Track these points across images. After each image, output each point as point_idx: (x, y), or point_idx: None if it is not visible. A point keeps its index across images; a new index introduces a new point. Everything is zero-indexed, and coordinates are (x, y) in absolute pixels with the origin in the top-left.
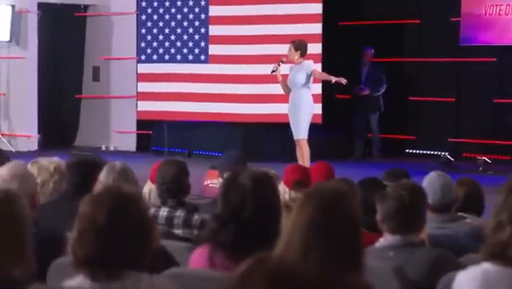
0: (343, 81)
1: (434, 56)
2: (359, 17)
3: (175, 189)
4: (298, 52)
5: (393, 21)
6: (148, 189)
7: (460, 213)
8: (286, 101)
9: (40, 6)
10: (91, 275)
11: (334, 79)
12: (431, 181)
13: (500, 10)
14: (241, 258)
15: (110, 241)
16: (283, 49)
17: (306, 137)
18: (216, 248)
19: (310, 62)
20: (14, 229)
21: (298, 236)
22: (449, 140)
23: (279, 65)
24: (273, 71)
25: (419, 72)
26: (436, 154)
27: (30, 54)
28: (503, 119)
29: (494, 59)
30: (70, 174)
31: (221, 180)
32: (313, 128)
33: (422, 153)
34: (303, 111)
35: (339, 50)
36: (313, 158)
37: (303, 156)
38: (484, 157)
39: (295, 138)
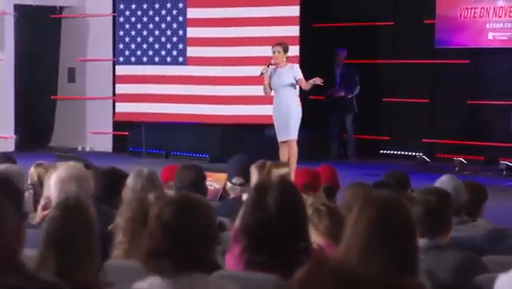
0: (319, 81)
1: (408, 58)
2: (333, 19)
3: (193, 192)
4: (286, 54)
5: (367, 23)
6: None
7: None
8: (264, 102)
9: (16, 7)
10: (160, 273)
11: (310, 82)
12: (443, 184)
13: (475, 12)
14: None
15: (176, 239)
16: (261, 51)
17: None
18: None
19: (297, 66)
20: (86, 234)
21: (358, 240)
22: (423, 140)
23: (268, 67)
24: (262, 74)
25: (393, 74)
26: (411, 155)
27: (6, 56)
28: (477, 120)
29: (468, 61)
30: (99, 181)
31: (229, 185)
32: None
33: (396, 154)
34: (294, 112)
35: (312, 52)
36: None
37: (292, 156)
38: (460, 158)
39: (284, 139)
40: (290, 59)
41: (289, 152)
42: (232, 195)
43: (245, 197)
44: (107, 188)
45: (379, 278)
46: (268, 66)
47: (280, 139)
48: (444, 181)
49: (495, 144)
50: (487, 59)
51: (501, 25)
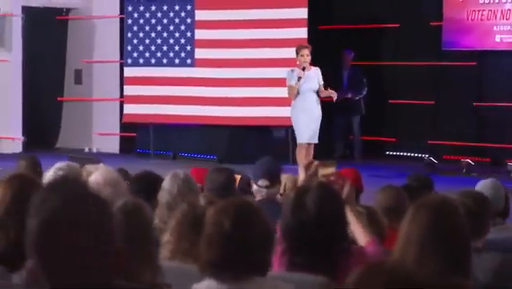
0: (335, 97)
1: (414, 60)
2: (339, 21)
3: (224, 194)
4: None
5: (372, 25)
6: None
7: None
8: (271, 104)
9: (23, 9)
10: (218, 278)
11: (328, 93)
12: (483, 188)
13: (482, 15)
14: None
15: (236, 247)
16: (269, 53)
17: None
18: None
19: (319, 69)
20: (145, 237)
21: (414, 243)
22: (429, 142)
23: (304, 71)
24: (299, 78)
25: (398, 75)
26: (416, 156)
27: (14, 58)
28: (483, 122)
29: (475, 63)
30: (134, 184)
31: (255, 187)
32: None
33: (402, 155)
34: (319, 117)
35: (319, 53)
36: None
37: (310, 158)
38: (467, 159)
39: (311, 141)
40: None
41: (308, 155)
42: (258, 197)
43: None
44: (143, 191)
45: (435, 280)
46: (303, 69)
47: (304, 140)
48: (484, 185)
49: (501, 146)
50: (494, 61)
51: (509, 27)
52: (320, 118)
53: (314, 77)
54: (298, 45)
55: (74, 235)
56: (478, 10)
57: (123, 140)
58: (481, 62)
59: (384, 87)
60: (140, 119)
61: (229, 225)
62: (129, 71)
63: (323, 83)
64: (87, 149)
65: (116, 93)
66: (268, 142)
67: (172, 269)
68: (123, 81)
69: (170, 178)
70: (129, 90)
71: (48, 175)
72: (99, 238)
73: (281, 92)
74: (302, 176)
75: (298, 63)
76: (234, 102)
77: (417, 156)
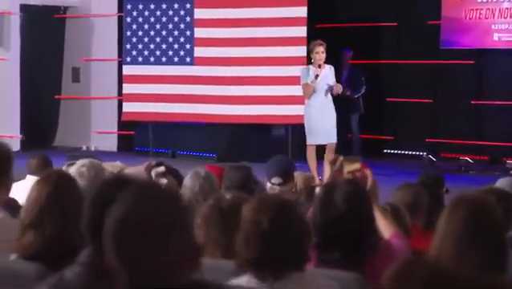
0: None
1: (412, 58)
2: (337, 19)
3: (242, 192)
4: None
5: (370, 23)
6: None
7: None
8: (270, 102)
9: (22, 7)
10: (257, 276)
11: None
12: (504, 186)
13: (480, 14)
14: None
15: (275, 244)
16: (268, 51)
17: None
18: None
19: (333, 67)
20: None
21: (451, 239)
22: (427, 140)
23: (320, 68)
24: (317, 76)
25: (396, 74)
26: (415, 154)
27: (12, 56)
28: (481, 120)
29: (472, 62)
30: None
31: (268, 185)
32: (296, 128)
33: (400, 153)
34: (334, 115)
35: None
36: (296, 158)
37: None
38: (466, 157)
39: (331, 141)
40: (298, 60)
41: (329, 156)
42: None
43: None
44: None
45: (474, 276)
46: (320, 67)
47: (318, 142)
48: (504, 183)
49: (499, 144)
50: (492, 59)
51: (507, 26)
52: (335, 116)
53: (328, 75)
54: (312, 42)
55: (149, 233)
56: (476, 9)
57: (121, 138)
58: (479, 60)
59: (382, 85)
60: (139, 117)
61: (267, 223)
62: (128, 70)
63: (335, 80)
64: (84, 147)
65: (114, 91)
66: (268, 140)
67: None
68: (121, 79)
69: (191, 176)
70: (128, 88)
71: (71, 171)
72: (173, 234)
73: (280, 90)
74: (327, 173)
75: (313, 60)
76: (234, 100)
77: (416, 155)
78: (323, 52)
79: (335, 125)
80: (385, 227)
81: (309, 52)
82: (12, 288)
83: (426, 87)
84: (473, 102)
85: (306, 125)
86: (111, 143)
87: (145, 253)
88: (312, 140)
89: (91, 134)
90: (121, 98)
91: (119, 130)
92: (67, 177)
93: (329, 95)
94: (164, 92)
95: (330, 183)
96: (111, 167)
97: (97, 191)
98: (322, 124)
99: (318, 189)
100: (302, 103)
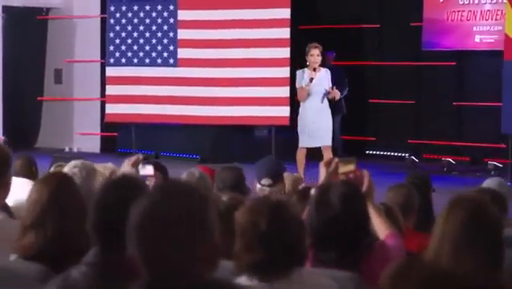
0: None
1: (394, 60)
2: (320, 21)
3: (235, 192)
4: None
5: (353, 25)
6: None
7: None
8: (253, 103)
9: (4, 9)
10: (258, 277)
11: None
12: (491, 186)
13: (462, 16)
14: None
15: (275, 245)
16: (251, 53)
17: None
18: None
19: (329, 71)
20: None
21: (450, 240)
22: (409, 141)
23: (315, 71)
24: (311, 79)
25: (378, 75)
26: (397, 155)
27: None
28: (462, 121)
29: (454, 63)
30: None
31: (258, 186)
32: (279, 130)
33: (382, 154)
34: (330, 118)
35: (300, 54)
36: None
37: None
38: (448, 158)
39: (325, 144)
40: (281, 62)
41: (326, 157)
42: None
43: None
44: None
45: (471, 276)
46: (314, 70)
47: (313, 144)
48: (491, 183)
49: (480, 145)
50: (473, 61)
51: (488, 28)
52: (331, 119)
53: (325, 78)
54: (308, 44)
55: (173, 229)
56: (458, 11)
57: (104, 139)
58: (460, 62)
59: (364, 86)
60: (123, 118)
61: (265, 224)
62: (111, 71)
63: (331, 84)
64: (67, 149)
65: (97, 93)
66: (251, 141)
67: None
68: (104, 81)
69: (186, 176)
70: (111, 90)
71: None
72: (197, 231)
73: (264, 92)
74: (322, 174)
75: (308, 63)
76: (217, 101)
77: (398, 156)
78: (318, 55)
79: (331, 128)
80: (380, 227)
81: (305, 55)
82: (13, 288)
83: (408, 89)
84: (454, 103)
85: (299, 127)
86: (93, 144)
87: (167, 249)
88: (305, 142)
89: (74, 135)
90: (104, 99)
91: (102, 131)
92: (67, 178)
93: (325, 100)
94: (148, 94)
95: (325, 184)
96: (103, 168)
97: (103, 192)
98: (318, 126)
99: (312, 191)
100: (286, 104)
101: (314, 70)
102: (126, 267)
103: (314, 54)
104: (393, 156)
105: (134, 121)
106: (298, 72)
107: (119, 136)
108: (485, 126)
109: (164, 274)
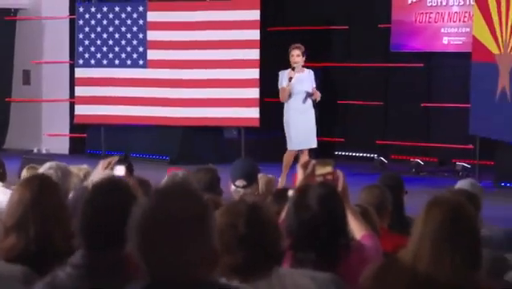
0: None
1: (363, 61)
2: (288, 22)
3: (209, 193)
4: (304, 58)
5: (321, 27)
6: None
7: None
8: (223, 105)
9: None
10: (237, 279)
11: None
12: (465, 187)
13: (430, 17)
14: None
15: (254, 247)
16: (221, 54)
17: None
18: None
19: (312, 71)
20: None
21: (429, 240)
22: (377, 142)
23: (294, 71)
24: (290, 79)
25: (347, 77)
26: (366, 156)
27: None
28: (430, 122)
29: (422, 65)
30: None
31: (233, 187)
32: (248, 131)
33: (351, 155)
34: (314, 120)
35: (269, 55)
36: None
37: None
38: (416, 159)
39: (308, 147)
40: (251, 63)
41: (303, 159)
42: (236, 197)
43: None
44: None
45: (451, 277)
46: (293, 69)
47: (294, 148)
48: (464, 184)
49: (448, 146)
50: (441, 62)
51: (456, 29)
52: (314, 121)
53: (307, 79)
54: (291, 45)
55: (174, 230)
56: (426, 13)
57: (73, 140)
58: (428, 63)
59: (333, 88)
60: (92, 119)
61: (243, 226)
62: (81, 72)
63: (315, 85)
64: (35, 150)
65: (66, 94)
66: (220, 143)
67: None
68: (73, 82)
69: (168, 179)
70: (81, 91)
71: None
72: (198, 233)
73: (233, 93)
74: (299, 176)
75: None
76: (187, 103)
77: (366, 157)
78: (298, 55)
79: (315, 130)
80: (356, 228)
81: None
82: None
83: (377, 90)
84: (422, 104)
85: (285, 130)
86: (62, 145)
87: (169, 250)
88: (292, 146)
89: (42, 136)
90: (73, 100)
91: (71, 133)
92: (49, 181)
93: (309, 100)
94: (117, 95)
95: (303, 186)
96: (78, 170)
97: (91, 195)
98: (301, 129)
99: (290, 192)
100: (256, 105)
101: (293, 69)
102: (113, 269)
103: (294, 55)
104: (362, 157)
105: (103, 122)
106: (280, 73)
107: (88, 137)
108: (453, 127)
109: (165, 275)
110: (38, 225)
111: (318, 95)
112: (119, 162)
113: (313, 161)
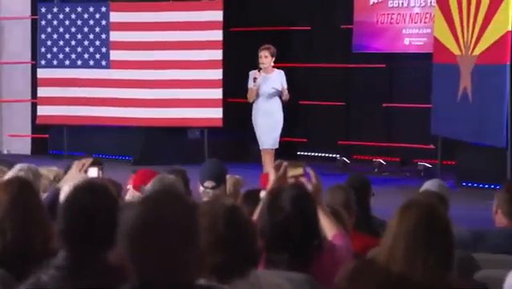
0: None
1: (325, 62)
2: (250, 23)
3: None
4: (273, 59)
5: (285, 27)
6: (131, 197)
7: None
8: (186, 105)
9: None
10: (216, 280)
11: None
12: (432, 188)
13: (391, 18)
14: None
15: (232, 247)
16: (184, 55)
17: None
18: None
19: (283, 73)
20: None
21: (402, 243)
22: (339, 142)
23: (260, 72)
24: (255, 79)
25: (309, 77)
26: (328, 156)
27: None
28: (392, 122)
29: (384, 66)
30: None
31: (201, 188)
32: (211, 131)
33: (314, 155)
34: (280, 121)
35: (231, 56)
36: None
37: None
38: (379, 159)
39: (274, 147)
40: (214, 64)
41: (266, 160)
42: (204, 199)
43: None
44: None
45: (425, 278)
46: (259, 70)
47: (268, 146)
48: (432, 185)
49: (409, 146)
50: (403, 63)
51: (417, 30)
52: (281, 122)
53: (276, 80)
54: (261, 46)
55: (162, 235)
56: (388, 14)
57: (35, 141)
58: (390, 64)
59: (295, 88)
60: (55, 120)
61: (222, 227)
62: (43, 73)
63: (286, 86)
64: None
65: (28, 94)
66: (183, 143)
67: None
68: (35, 82)
69: (154, 182)
70: (43, 91)
71: (9, 175)
72: (187, 238)
73: (196, 94)
74: (271, 178)
75: None
76: (149, 103)
77: (329, 157)
78: (266, 56)
79: (279, 132)
80: (328, 228)
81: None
82: None
83: (339, 90)
84: (384, 105)
85: (255, 130)
86: (24, 146)
87: (158, 254)
88: (261, 144)
89: (3, 137)
90: (35, 101)
91: (32, 133)
92: (28, 184)
93: (277, 100)
94: (80, 95)
95: (276, 187)
96: (48, 171)
97: (72, 197)
98: (268, 129)
99: (262, 194)
100: (219, 106)
101: (259, 70)
102: (96, 270)
103: (262, 56)
104: (324, 157)
105: (66, 123)
106: (250, 73)
107: (50, 138)
108: (415, 127)
109: (155, 279)
110: (16, 229)
111: (286, 96)
112: (93, 164)
113: (285, 163)
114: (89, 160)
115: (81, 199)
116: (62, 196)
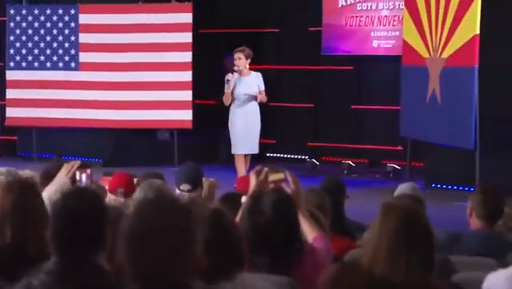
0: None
1: (294, 64)
2: (219, 25)
3: None
4: (248, 61)
5: (253, 29)
6: (108, 200)
7: None
8: (154, 107)
9: None
10: (203, 283)
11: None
12: (406, 191)
13: (360, 21)
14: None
15: (217, 250)
16: (153, 57)
17: None
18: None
19: (261, 75)
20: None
21: (385, 246)
22: (308, 144)
23: (233, 74)
24: (228, 81)
25: (279, 79)
26: (297, 158)
27: None
28: (360, 124)
29: (352, 68)
30: None
31: (177, 191)
32: (181, 133)
33: (283, 157)
34: (258, 124)
35: (200, 58)
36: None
37: (245, 169)
38: (346, 161)
39: (251, 152)
40: (183, 66)
41: (245, 165)
42: None
43: None
44: None
45: (407, 278)
46: (233, 72)
47: (243, 151)
48: (406, 188)
49: (378, 148)
50: (371, 65)
51: (386, 33)
52: (259, 125)
53: (252, 82)
54: (236, 48)
55: (160, 239)
56: (356, 16)
57: (2, 143)
58: (358, 66)
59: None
60: (24, 122)
61: (208, 231)
62: (12, 75)
63: (264, 88)
64: None
65: None
66: (153, 145)
67: None
68: (4, 84)
69: (143, 187)
70: (12, 93)
71: None
72: (183, 242)
73: (166, 95)
74: (252, 182)
75: None
76: (119, 105)
77: (298, 158)
78: (239, 58)
79: (258, 135)
80: (308, 230)
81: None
82: None
83: (307, 92)
84: (352, 106)
85: (230, 133)
86: None
87: (156, 258)
88: (235, 149)
89: None
90: (4, 103)
91: (1, 135)
92: (30, 185)
93: (254, 103)
94: (49, 97)
95: (257, 192)
96: (22, 174)
97: (63, 202)
98: (244, 134)
99: (243, 198)
100: (188, 108)
101: (233, 73)
102: (86, 275)
103: (237, 58)
104: (294, 158)
105: (35, 125)
106: (226, 76)
107: (19, 140)
108: (383, 129)
109: (153, 282)
110: (15, 231)
111: (262, 98)
112: (82, 167)
113: (266, 168)
114: (77, 163)
115: (69, 203)
116: (45, 197)
